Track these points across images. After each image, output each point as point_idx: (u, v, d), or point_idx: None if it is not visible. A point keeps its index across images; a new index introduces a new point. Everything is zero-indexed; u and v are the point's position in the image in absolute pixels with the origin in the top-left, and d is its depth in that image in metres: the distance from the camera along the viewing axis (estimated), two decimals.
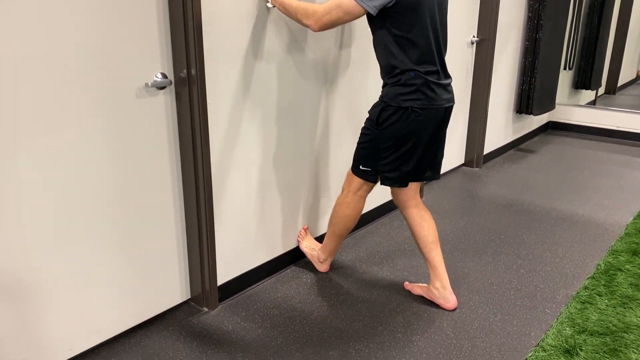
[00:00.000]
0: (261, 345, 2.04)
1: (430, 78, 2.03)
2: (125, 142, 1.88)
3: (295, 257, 2.66)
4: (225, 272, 2.32)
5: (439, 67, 2.07)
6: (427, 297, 2.34)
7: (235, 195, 2.27)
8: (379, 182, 2.25)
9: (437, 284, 2.28)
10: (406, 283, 2.46)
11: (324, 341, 2.08)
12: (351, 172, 2.28)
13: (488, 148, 4.29)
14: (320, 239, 2.76)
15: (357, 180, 2.26)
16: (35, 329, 1.79)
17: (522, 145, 4.84)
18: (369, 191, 2.31)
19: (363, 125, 2.20)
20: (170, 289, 2.20)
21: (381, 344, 2.07)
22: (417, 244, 2.30)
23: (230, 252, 2.33)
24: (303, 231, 2.65)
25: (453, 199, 3.56)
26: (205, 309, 2.27)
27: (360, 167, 2.22)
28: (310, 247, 2.61)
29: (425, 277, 2.53)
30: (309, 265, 2.63)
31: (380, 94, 2.13)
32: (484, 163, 4.27)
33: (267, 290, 2.43)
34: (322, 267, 2.58)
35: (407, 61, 2.01)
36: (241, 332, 2.13)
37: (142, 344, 2.04)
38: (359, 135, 2.21)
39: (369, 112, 2.16)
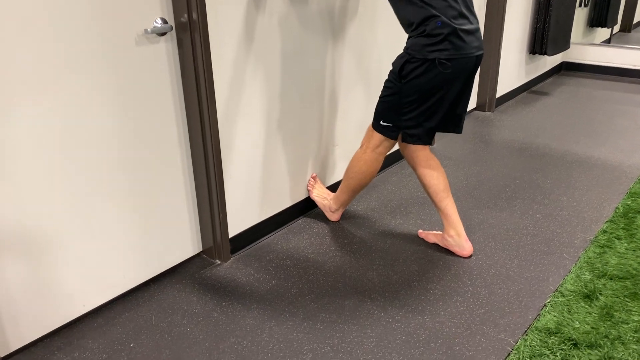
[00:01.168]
0: (275, 297, 2.03)
1: (458, 24, 1.88)
2: (127, 92, 1.80)
3: (305, 207, 2.61)
4: (236, 224, 2.28)
5: (463, 8, 1.91)
6: (442, 245, 2.31)
7: (243, 146, 2.20)
8: (400, 140, 2.16)
9: (452, 232, 2.24)
10: (420, 231, 2.41)
11: (338, 291, 2.05)
12: (371, 128, 2.18)
13: (500, 91, 4.16)
14: (330, 188, 2.71)
15: (377, 137, 2.17)
16: (49, 286, 1.77)
17: (535, 88, 4.71)
18: (389, 148, 2.21)
19: (387, 77, 2.07)
20: (182, 242, 2.17)
21: (397, 292, 2.04)
22: (428, 193, 2.24)
23: (240, 204, 2.28)
24: (312, 179, 2.59)
25: (465, 144, 3.47)
26: (218, 262, 2.25)
27: (381, 122, 2.11)
28: (321, 196, 2.56)
29: (440, 224, 2.48)
30: (320, 216, 2.59)
31: (404, 44, 2.00)
32: (496, 106, 4.16)
33: (279, 241, 2.39)
34: (334, 217, 2.53)
35: (427, 8, 1.87)
36: (255, 283, 2.11)
37: (156, 298, 2.03)
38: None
39: (393, 64, 2.04)
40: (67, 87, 1.64)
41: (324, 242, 2.38)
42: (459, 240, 2.23)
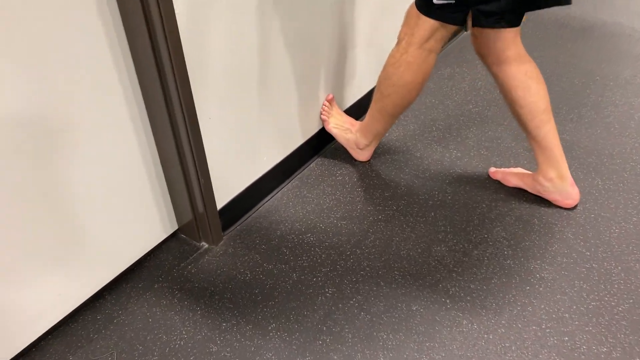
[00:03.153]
0: (303, 305, 1.31)
1: None
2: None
3: (319, 144, 1.81)
4: (226, 187, 1.50)
5: None
6: (531, 190, 1.58)
7: (223, 68, 1.34)
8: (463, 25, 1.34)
9: (552, 173, 1.50)
10: (492, 169, 1.67)
11: (397, 285, 1.34)
12: (415, 11, 1.34)
13: None
14: (349, 112, 1.89)
15: (426, 24, 1.33)
16: None
17: None
18: (444, 41, 1.39)
19: None
20: (143, 221, 1.40)
21: (486, 281, 1.34)
22: (519, 115, 1.46)
23: (229, 156, 1.47)
24: (327, 103, 1.77)
25: None
26: (204, 245, 1.50)
27: None
28: (342, 127, 1.76)
29: (515, 154, 1.74)
30: (340, 152, 1.80)
31: None
32: None
33: (290, 201, 1.63)
34: (363, 155, 1.76)
35: None
36: (267, 281, 1.37)
37: (115, 322, 1.29)
38: None
39: None
40: None
41: (356, 197, 1.63)
42: (561, 185, 1.50)
